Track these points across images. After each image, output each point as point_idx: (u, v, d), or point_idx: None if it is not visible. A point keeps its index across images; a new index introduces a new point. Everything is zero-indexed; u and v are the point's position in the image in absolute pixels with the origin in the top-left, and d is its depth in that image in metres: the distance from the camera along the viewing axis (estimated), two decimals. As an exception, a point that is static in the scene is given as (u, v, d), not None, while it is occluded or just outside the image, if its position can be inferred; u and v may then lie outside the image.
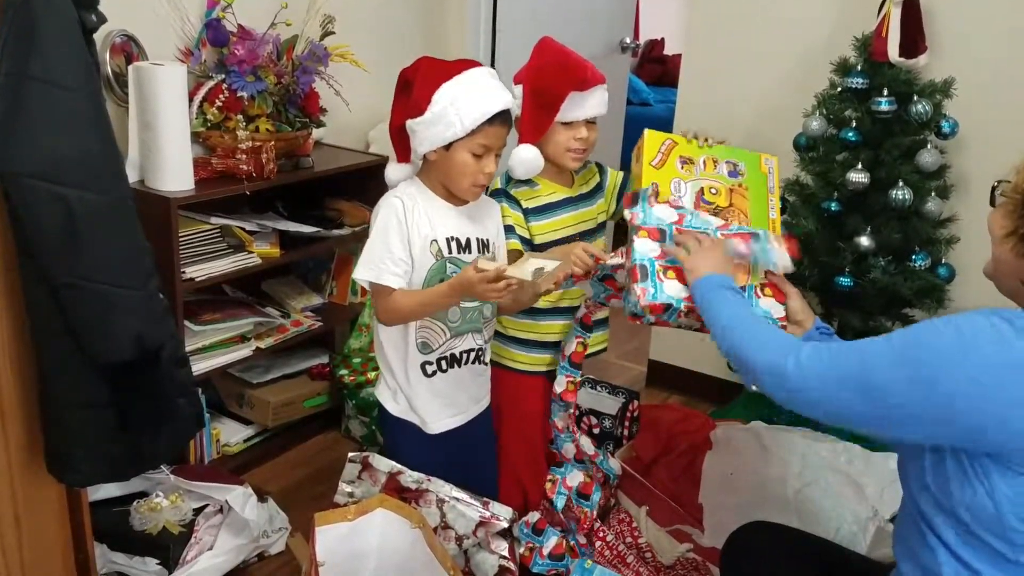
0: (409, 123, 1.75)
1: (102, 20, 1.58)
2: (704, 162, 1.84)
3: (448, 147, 1.72)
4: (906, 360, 1.22)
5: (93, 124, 1.46)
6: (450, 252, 1.78)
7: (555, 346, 2.09)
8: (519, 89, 1.93)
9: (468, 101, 1.68)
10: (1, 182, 1.41)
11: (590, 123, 1.95)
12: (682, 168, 1.81)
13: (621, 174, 2.13)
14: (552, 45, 1.97)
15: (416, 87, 1.73)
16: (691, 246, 1.66)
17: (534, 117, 1.91)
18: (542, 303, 2.00)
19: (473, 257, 1.80)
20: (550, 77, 1.90)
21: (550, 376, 2.11)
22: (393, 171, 1.87)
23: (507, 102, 1.74)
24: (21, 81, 1.38)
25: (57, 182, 1.40)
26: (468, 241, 1.82)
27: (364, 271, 1.74)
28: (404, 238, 1.74)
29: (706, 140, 1.87)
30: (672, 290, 1.65)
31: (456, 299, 1.73)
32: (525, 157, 1.91)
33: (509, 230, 1.94)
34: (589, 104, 1.92)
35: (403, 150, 1.84)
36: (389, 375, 1.87)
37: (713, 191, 1.81)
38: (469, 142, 1.70)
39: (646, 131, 1.85)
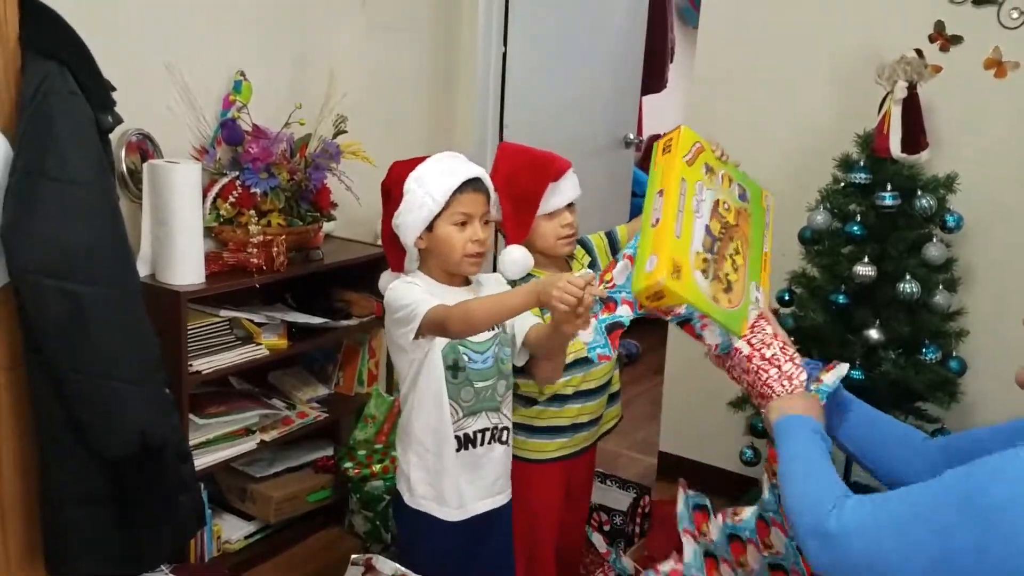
0: (393, 222, 1.79)
1: (118, 121, 1.64)
2: (722, 176, 1.80)
3: (431, 228, 1.75)
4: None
5: (104, 220, 1.50)
6: None
7: (573, 430, 2.04)
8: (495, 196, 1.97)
9: (433, 177, 1.74)
10: (12, 277, 1.43)
11: (570, 207, 2.00)
12: (706, 174, 1.76)
13: (604, 236, 2.15)
14: (513, 148, 2.05)
15: (393, 189, 1.79)
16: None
17: (516, 218, 1.95)
18: (567, 388, 1.98)
19: (485, 339, 1.79)
20: (523, 177, 1.95)
21: (565, 462, 2.06)
22: (386, 279, 1.88)
23: (475, 171, 1.77)
24: (36, 178, 1.43)
25: (66, 277, 1.42)
26: None
27: (406, 327, 1.69)
28: (423, 293, 1.73)
29: (726, 155, 1.85)
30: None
31: (530, 301, 1.62)
32: (516, 257, 1.93)
33: None
34: (565, 190, 1.98)
35: (396, 258, 1.86)
36: (411, 454, 1.81)
37: (726, 206, 1.75)
38: (447, 215, 1.73)
39: (683, 126, 1.80)
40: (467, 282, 1.84)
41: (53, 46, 1.49)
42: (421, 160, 1.80)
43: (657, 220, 1.64)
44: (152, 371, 1.55)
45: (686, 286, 1.55)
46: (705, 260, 1.63)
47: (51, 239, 1.42)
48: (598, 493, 2.49)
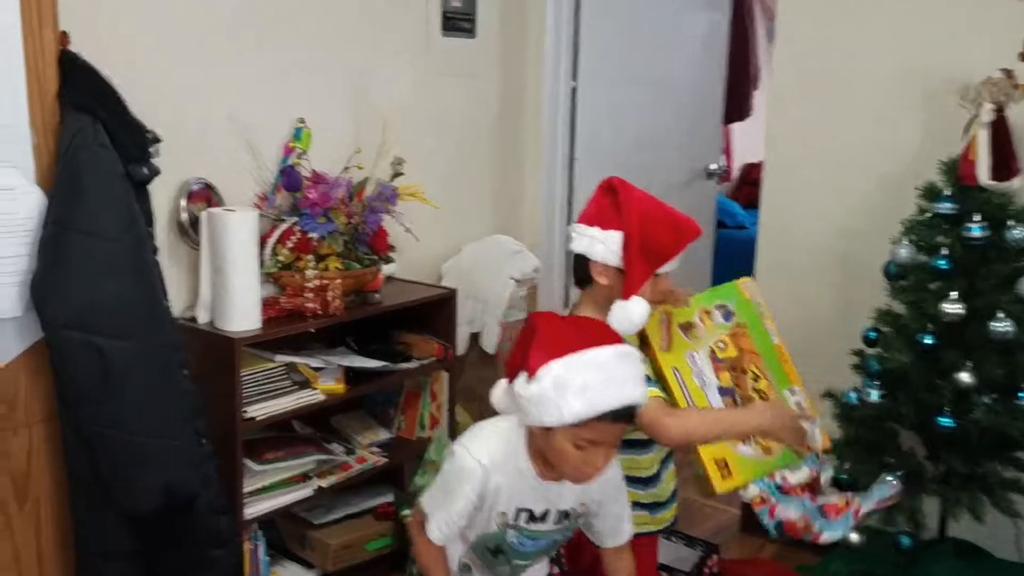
0: (515, 386, 1.53)
1: (154, 172, 1.66)
2: (700, 317, 1.81)
3: (549, 428, 1.50)
4: None
5: (132, 275, 1.51)
6: (516, 520, 1.62)
7: (643, 482, 1.91)
8: (596, 231, 1.77)
9: (575, 391, 1.44)
10: (43, 330, 1.46)
11: None
12: (687, 336, 1.77)
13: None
14: (642, 195, 1.80)
15: (534, 346, 1.51)
16: None
17: (641, 271, 1.73)
18: (638, 433, 1.80)
19: (544, 527, 1.64)
20: (662, 233, 1.75)
21: (651, 538, 1.96)
22: (500, 395, 1.65)
23: (630, 398, 1.48)
24: (64, 231, 1.45)
25: (91, 331, 1.44)
26: (545, 513, 1.64)
27: (425, 503, 1.66)
28: (468, 508, 1.59)
29: (686, 297, 1.83)
30: None
31: (760, 428, 1.66)
32: (636, 318, 1.69)
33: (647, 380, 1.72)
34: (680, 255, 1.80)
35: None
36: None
37: (721, 346, 1.78)
38: (571, 433, 1.47)
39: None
40: (558, 478, 1.60)
41: (87, 100, 1.53)
42: (574, 340, 1.50)
43: None
44: (181, 424, 1.55)
45: (739, 472, 1.66)
46: None
47: (78, 293, 1.45)
48: (662, 551, 2.35)
